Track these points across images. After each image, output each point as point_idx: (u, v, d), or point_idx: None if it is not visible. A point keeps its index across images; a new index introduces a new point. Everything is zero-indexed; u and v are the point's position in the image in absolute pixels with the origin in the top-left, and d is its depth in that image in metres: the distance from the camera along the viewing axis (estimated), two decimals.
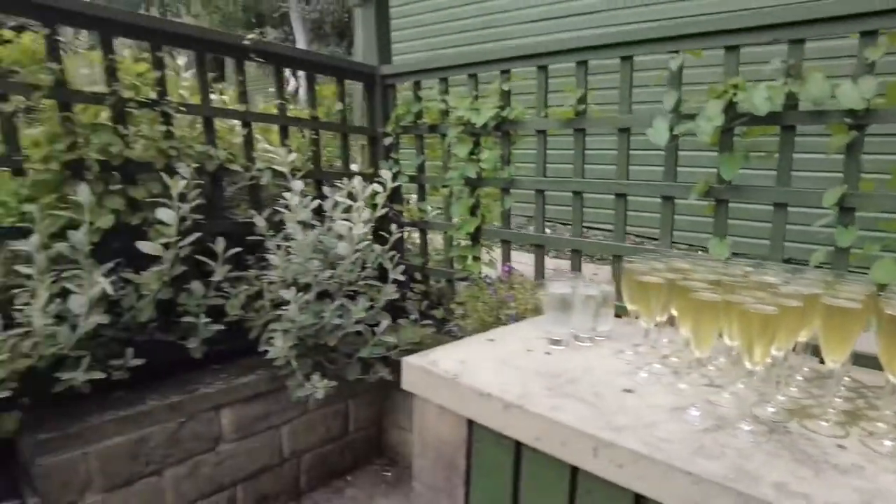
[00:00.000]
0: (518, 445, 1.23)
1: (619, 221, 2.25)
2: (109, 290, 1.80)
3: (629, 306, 1.48)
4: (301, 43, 11.50)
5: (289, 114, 2.63)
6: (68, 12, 1.97)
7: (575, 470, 1.14)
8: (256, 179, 2.42)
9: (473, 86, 2.60)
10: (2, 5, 1.85)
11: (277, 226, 2.34)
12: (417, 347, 2.57)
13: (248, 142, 2.46)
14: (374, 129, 2.99)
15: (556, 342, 1.55)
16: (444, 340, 2.76)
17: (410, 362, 1.42)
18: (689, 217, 3.20)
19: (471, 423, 1.31)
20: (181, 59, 2.72)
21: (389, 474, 2.75)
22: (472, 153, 2.55)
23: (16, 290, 1.78)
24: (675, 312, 1.29)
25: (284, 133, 2.60)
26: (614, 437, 1.06)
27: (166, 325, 2.19)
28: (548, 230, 2.64)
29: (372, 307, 2.35)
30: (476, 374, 1.33)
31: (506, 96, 2.49)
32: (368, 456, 2.87)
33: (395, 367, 2.53)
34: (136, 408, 2.06)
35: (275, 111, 2.60)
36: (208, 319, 2.10)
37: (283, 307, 2.18)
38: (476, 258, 2.69)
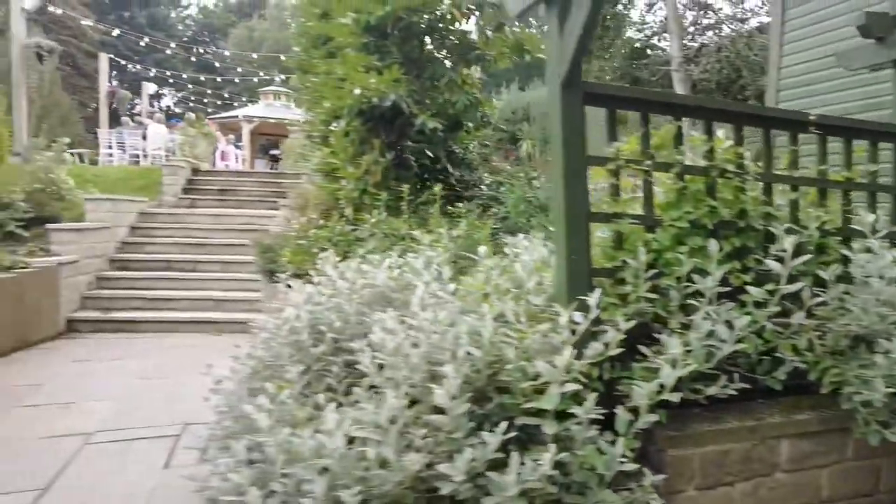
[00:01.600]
0: None
1: None
2: (735, 326, 2.25)
3: None
4: None
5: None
6: (686, 107, 2.58)
7: None
8: (809, 237, 2.70)
9: None
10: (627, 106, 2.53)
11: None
12: None
13: (795, 203, 2.76)
14: None
15: None
16: None
17: None
18: None
19: None
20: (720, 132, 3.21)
21: None
22: None
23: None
24: None
25: (822, 195, 2.84)
26: None
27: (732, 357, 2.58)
28: None
29: None
30: None
31: None
32: None
33: None
34: (721, 425, 2.46)
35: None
36: (794, 357, 2.40)
37: (858, 354, 2.36)
38: None
